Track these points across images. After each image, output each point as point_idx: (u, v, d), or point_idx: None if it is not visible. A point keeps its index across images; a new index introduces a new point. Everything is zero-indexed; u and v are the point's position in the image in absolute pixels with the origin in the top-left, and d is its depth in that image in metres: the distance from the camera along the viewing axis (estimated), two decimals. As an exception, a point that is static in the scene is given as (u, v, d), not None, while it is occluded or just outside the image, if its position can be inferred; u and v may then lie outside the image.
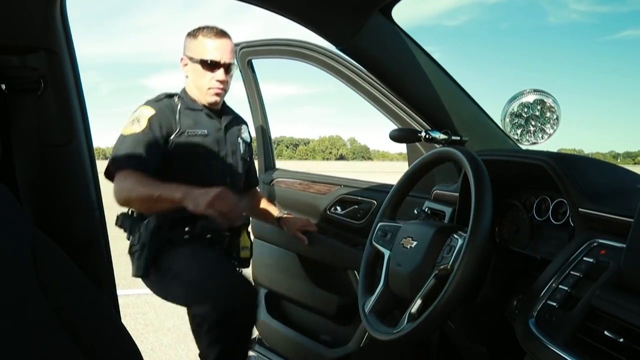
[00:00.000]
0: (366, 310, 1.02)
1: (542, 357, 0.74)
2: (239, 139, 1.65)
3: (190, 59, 1.51)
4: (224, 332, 1.34)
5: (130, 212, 1.53)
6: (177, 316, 2.93)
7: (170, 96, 1.54)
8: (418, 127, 1.50)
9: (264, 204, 1.79)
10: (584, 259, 0.81)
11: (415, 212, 1.32)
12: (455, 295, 0.81)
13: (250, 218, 1.82)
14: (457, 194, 1.20)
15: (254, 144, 1.84)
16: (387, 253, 1.05)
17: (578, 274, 0.79)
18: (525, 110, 1.21)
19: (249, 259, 1.65)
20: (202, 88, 1.52)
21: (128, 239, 1.51)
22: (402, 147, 2.73)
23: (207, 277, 1.38)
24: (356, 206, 1.76)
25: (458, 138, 1.28)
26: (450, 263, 0.87)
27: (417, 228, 1.01)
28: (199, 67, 1.49)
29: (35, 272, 0.59)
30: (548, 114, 1.21)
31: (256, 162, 1.91)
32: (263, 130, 2.06)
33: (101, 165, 1.20)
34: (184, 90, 1.56)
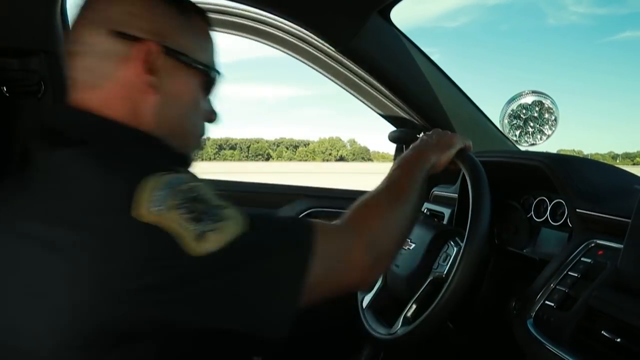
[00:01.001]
0: (364, 306, 1.03)
1: (541, 357, 0.74)
2: None
3: None
4: None
5: None
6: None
7: None
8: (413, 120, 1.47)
9: None
10: (582, 259, 0.82)
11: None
12: (451, 301, 0.80)
13: None
14: (456, 195, 1.20)
15: None
16: (386, 253, 1.06)
17: (576, 275, 0.79)
18: (524, 111, 1.22)
19: None
20: None
21: None
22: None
23: None
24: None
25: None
26: (445, 271, 0.88)
27: (416, 230, 1.01)
28: None
29: None
30: (546, 115, 1.21)
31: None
32: None
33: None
34: None
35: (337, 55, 1.38)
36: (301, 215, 1.47)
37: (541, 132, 1.22)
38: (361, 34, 1.23)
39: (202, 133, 0.68)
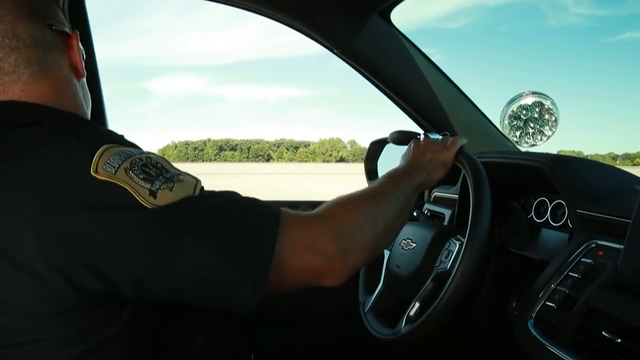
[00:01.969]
0: (366, 310, 1.03)
1: (541, 357, 0.74)
2: None
3: None
4: None
5: None
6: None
7: None
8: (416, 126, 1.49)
9: None
10: (582, 260, 0.82)
11: (415, 213, 1.33)
12: (453, 299, 0.80)
13: None
14: (457, 196, 1.20)
15: None
16: (386, 254, 1.06)
17: (576, 275, 0.80)
18: (524, 112, 1.22)
19: None
20: None
21: None
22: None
23: None
24: None
25: (457, 140, 1.28)
26: (448, 268, 0.88)
27: (417, 230, 1.02)
28: None
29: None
30: (547, 116, 1.21)
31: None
32: None
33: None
34: None
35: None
36: None
37: (541, 132, 1.22)
38: (362, 35, 1.23)
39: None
